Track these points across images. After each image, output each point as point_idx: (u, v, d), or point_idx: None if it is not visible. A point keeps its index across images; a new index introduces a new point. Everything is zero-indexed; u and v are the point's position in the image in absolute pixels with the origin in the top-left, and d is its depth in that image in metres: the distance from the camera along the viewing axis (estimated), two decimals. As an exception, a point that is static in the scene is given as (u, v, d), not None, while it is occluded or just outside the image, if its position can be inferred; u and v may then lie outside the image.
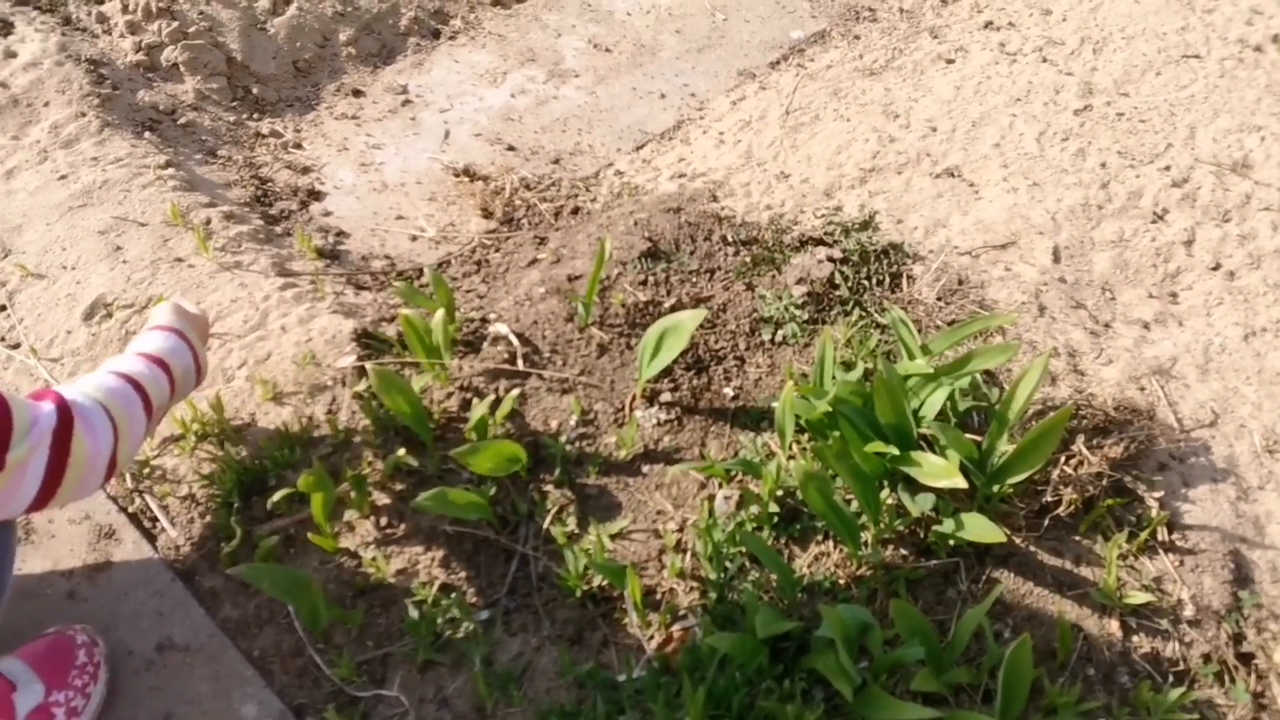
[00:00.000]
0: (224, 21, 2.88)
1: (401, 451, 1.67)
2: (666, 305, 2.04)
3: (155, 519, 1.68)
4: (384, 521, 1.65)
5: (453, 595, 1.56)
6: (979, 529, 1.53)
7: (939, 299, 2.10)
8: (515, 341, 1.92)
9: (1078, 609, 1.57)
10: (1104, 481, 1.68)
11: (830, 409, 1.66)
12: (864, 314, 2.04)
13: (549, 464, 1.74)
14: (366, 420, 1.76)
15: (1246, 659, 1.54)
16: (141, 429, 1.35)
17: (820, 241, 2.23)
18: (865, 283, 2.12)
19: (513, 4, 3.35)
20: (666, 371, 1.89)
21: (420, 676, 1.49)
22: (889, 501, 1.63)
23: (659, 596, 1.58)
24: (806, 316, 2.02)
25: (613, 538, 1.65)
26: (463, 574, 1.60)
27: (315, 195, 2.51)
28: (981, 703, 1.45)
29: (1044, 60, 2.95)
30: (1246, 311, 2.12)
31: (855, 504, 1.61)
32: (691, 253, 2.19)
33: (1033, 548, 1.64)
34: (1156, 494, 1.70)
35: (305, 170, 2.58)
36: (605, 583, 1.58)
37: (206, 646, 1.52)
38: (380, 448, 1.73)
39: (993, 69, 2.93)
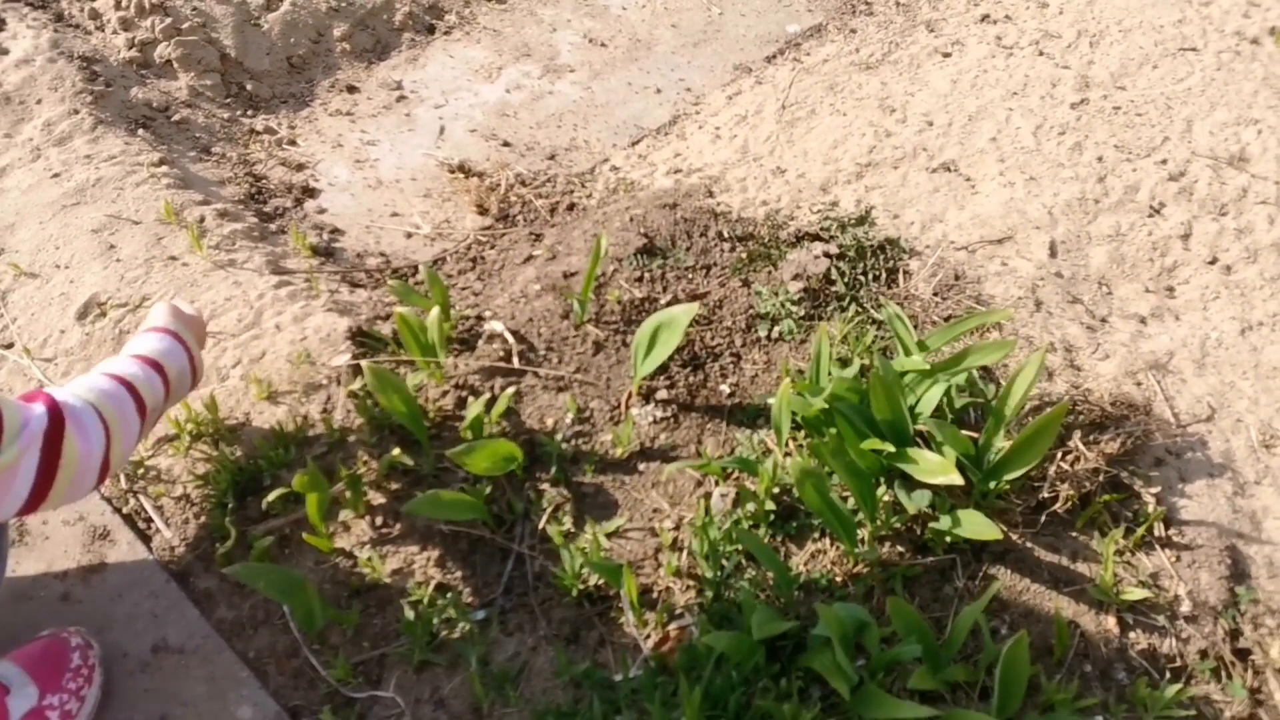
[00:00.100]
0: (217, 17, 2.86)
1: (396, 451, 1.67)
2: (662, 302, 2.04)
3: (150, 520, 1.67)
4: (379, 521, 1.65)
5: (448, 595, 1.56)
6: (976, 526, 1.53)
7: (935, 294, 2.09)
8: (511, 339, 1.92)
9: (1075, 605, 1.57)
10: (1100, 477, 1.68)
11: (826, 406, 1.65)
12: (860, 310, 2.04)
13: (545, 462, 1.73)
14: (362, 419, 1.76)
15: (1243, 655, 1.54)
16: (135, 431, 1.35)
17: (816, 237, 2.22)
18: (861, 278, 2.12)
19: (507, -1, 3.34)
20: (663, 368, 1.88)
21: (416, 677, 1.48)
22: (885, 499, 1.63)
23: (655, 595, 1.58)
24: (803, 312, 2.02)
25: (609, 536, 1.65)
26: (458, 573, 1.59)
27: (310, 192, 2.50)
28: (979, 700, 1.45)
29: (1040, 54, 2.94)
30: (1243, 305, 2.12)
31: (852, 501, 1.61)
32: (687, 249, 2.18)
33: (1029, 544, 1.63)
34: (1153, 490, 1.70)
35: (300, 167, 2.57)
36: (601, 582, 1.57)
37: (201, 648, 1.51)
38: (375, 447, 1.73)
39: (989, 63, 2.92)
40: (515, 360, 1.88)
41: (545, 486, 1.70)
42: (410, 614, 1.53)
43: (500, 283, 2.14)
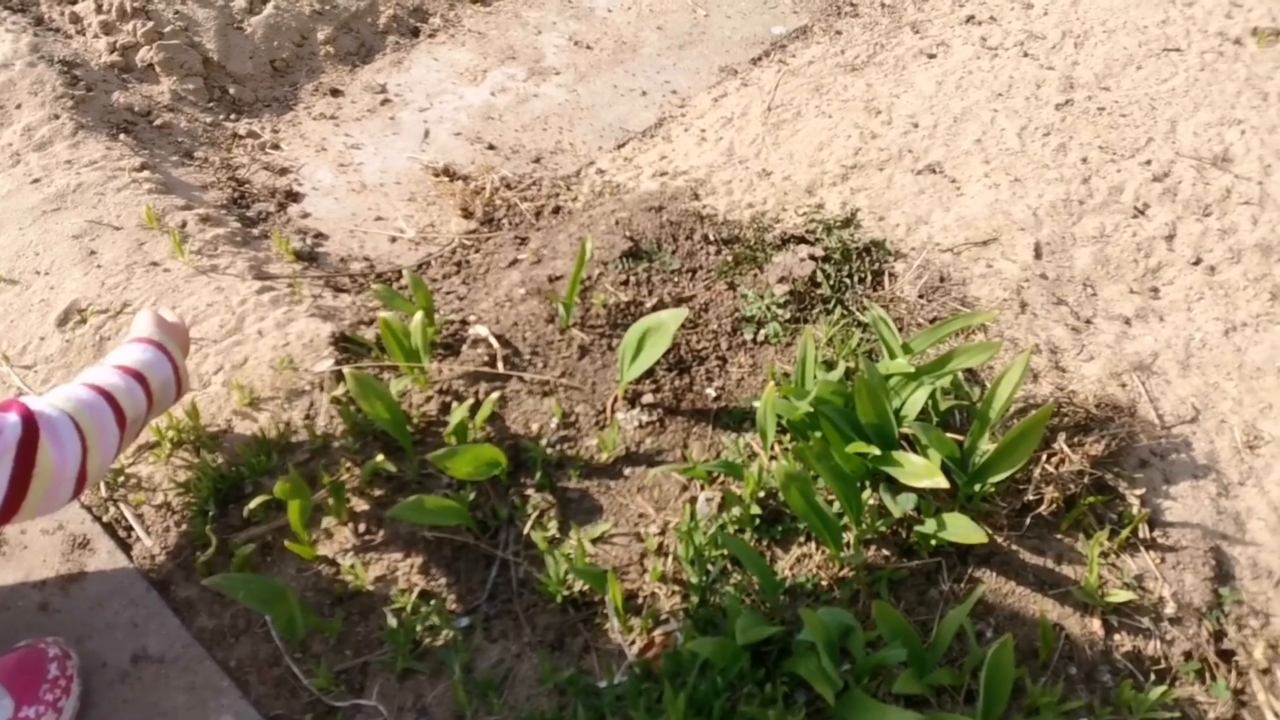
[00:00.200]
0: (200, 21, 2.85)
1: (380, 457, 1.66)
2: (648, 305, 2.03)
3: (130, 528, 1.66)
4: (362, 528, 1.64)
5: (432, 602, 1.55)
6: (961, 529, 1.53)
7: (921, 296, 2.09)
8: (495, 344, 1.91)
9: (1060, 608, 1.56)
10: (1085, 479, 1.68)
11: (811, 409, 1.65)
12: (846, 312, 2.04)
13: (529, 467, 1.72)
14: (345, 425, 1.74)
15: (1227, 656, 1.54)
16: (113, 442, 1.33)
17: (802, 239, 2.22)
18: (847, 281, 2.11)
19: (492, 1, 3.33)
20: (648, 373, 1.87)
21: (399, 685, 1.47)
22: (871, 502, 1.62)
23: (640, 601, 1.57)
24: (789, 315, 2.01)
25: (594, 542, 1.64)
26: (442, 580, 1.58)
27: (293, 196, 2.48)
28: (964, 704, 1.44)
29: (1025, 55, 2.94)
30: (1227, 306, 2.12)
31: (837, 505, 1.61)
32: (673, 252, 2.18)
33: (1014, 547, 1.63)
34: (1138, 491, 1.70)
35: (283, 171, 2.55)
36: (586, 588, 1.57)
37: (182, 657, 1.50)
38: (359, 453, 1.72)
39: (974, 64, 2.92)
40: (500, 365, 1.87)
41: (530, 492, 1.70)
42: (393, 621, 1.52)
43: (485, 287, 2.13)
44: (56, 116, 2.42)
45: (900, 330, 1.97)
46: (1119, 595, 1.55)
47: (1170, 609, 1.57)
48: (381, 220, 2.44)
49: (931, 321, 2.03)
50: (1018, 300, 2.08)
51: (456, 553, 1.62)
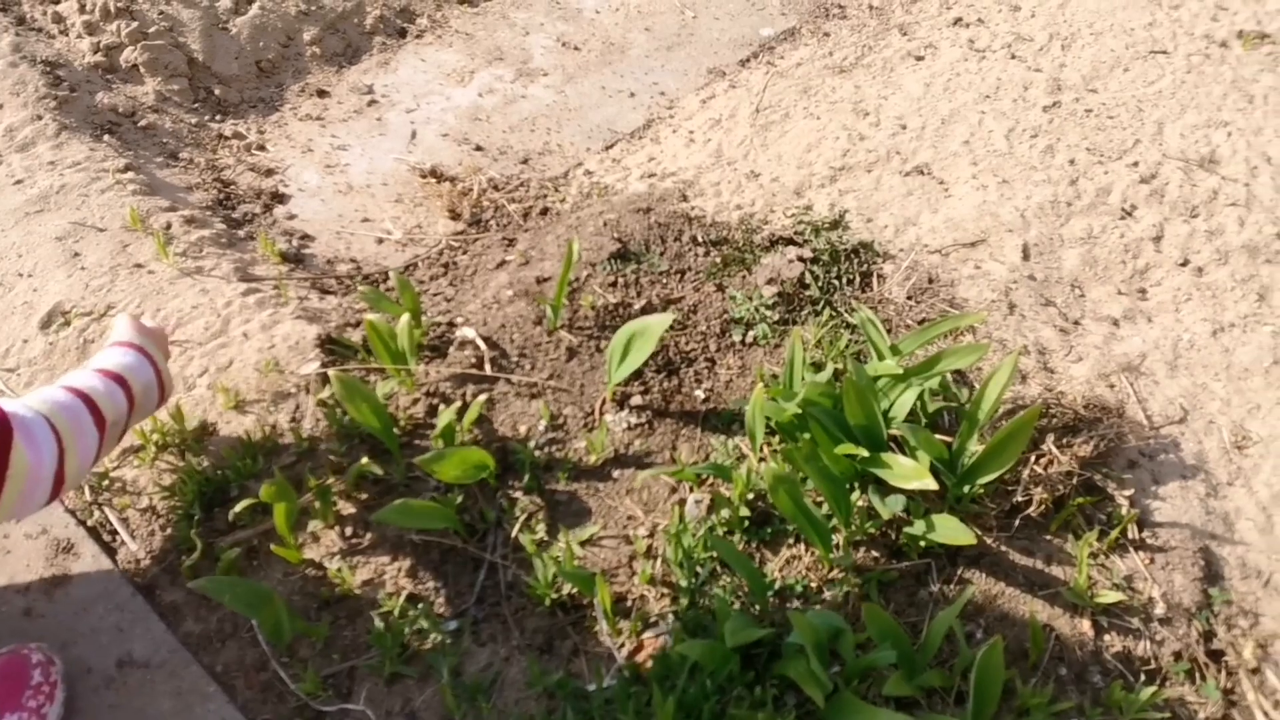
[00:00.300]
0: (185, 21, 2.83)
1: (366, 460, 1.65)
2: (636, 307, 2.02)
3: (115, 532, 1.64)
4: (349, 531, 1.63)
5: (420, 606, 1.54)
6: (950, 530, 1.53)
7: (909, 298, 2.09)
8: (483, 345, 1.90)
9: (1049, 609, 1.56)
10: (1074, 480, 1.68)
11: (800, 411, 1.64)
12: (834, 314, 2.03)
13: (517, 470, 1.72)
14: (331, 428, 1.73)
15: (1217, 656, 1.54)
16: (92, 444, 1.32)
17: (790, 241, 2.22)
18: (835, 282, 2.11)
19: (480, 2, 3.32)
20: (637, 374, 1.87)
21: (387, 689, 1.46)
22: (860, 503, 1.62)
23: (629, 604, 1.56)
24: (777, 317, 2.01)
25: (582, 544, 1.63)
26: (430, 584, 1.57)
27: (279, 198, 2.47)
28: (954, 705, 1.44)
29: (1013, 57, 2.95)
30: (1215, 307, 2.13)
31: (826, 507, 1.60)
32: (661, 253, 2.17)
33: (1004, 548, 1.63)
34: (1126, 492, 1.70)
35: (269, 172, 2.54)
36: (575, 591, 1.56)
37: (168, 662, 1.49)
38: (345, 456, 1.71)
39: (962, 66, 2.92)
40: (487, 367, 1.86)
41: (518, 495, 1.69)
42: (381, 625, 1.51)
43: (472, 288, 2.12)
44: (39, 117, 2.40)
45: (888, 332, 1.97)
46: (1108, 596, 1.55)
47: (1160, 609, 1.57)
48: (368, 221, 2.43)
49: (920, 323, 2.03)
50: (1006, 301, 2.08)
51: (444, 556, 1.61)
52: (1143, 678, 1.50)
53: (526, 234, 2.32)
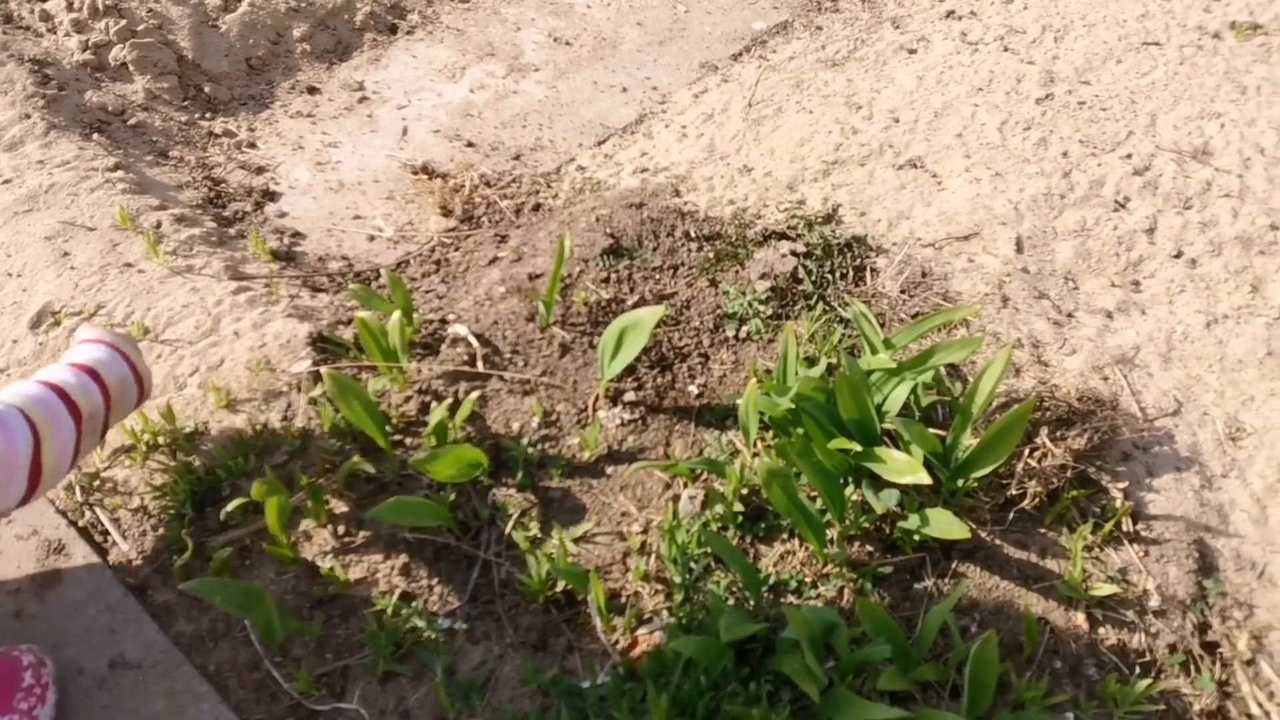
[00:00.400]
0: (174, 19, 2.81)
1: (357, 458, 1.64)
2: (629, 303, 2.02)
3: (106, 532, 1.63)
4: (342, 530, 1.62)
5: (413, 604, 1.53)
6: (944, 525, 1.52)
7: (902, 292, 2.09)
8: (475, 342, 1.89)
9: (1044, 602, 1.56)
10: (1068, 473, 1.68)
11: (793, 406, 1.64)
12: (827, 308, 2.03)
13: (510, 467, 1.71)
14: (323, 426, 1.72)
15: (1211, 648, 1.54)
16: (69, 436, 1.31)
17: (783, 235, 2.21)
18: (829, 277, 2.11)
19: (471, -2, 3.31)
20: (630, 370, 1.86)
21: (381, 688, 1.46)
22: (854, 498, 1.62)
23: (624, 600, 1.56)
24: (770, 312, 2.01)
25: (576, 541, 1.63)
26: (424, 582, 1.57)
27: (270, 196, 2.46)
28: (949, 699, 1.44)
29: (1005, 49, 2.94)
30: (1208, 299, 2.12)
31: (820, 502, 1.60)
32: (654, 249, 2.17)
33: (998, 541, 1.63)
34: (1120, 484, 1.70)
35: (259, 170, 2.53)
36: (569, 588, 1.55)
37: (160, 663, 1.48)
38: (338, 454, 1.70)
39: (955, 58, 2.92)
40: (480, 364, 1.85)
41: (511, 492, 1.68)
42: (374, 624, 1.50)
43: (464, 285, 2.11)
44: (27, 116, 2.38)
45: (882, 326, 1.97)
46: (1103, 589, 1.55)
47: (1154, 602, 1.57)
48: (359, 219, 2.42)
49: (913, 317, 2.03)
50: (999, 295, 2.08)
51: (438, 554, 1.60)
52: (1138, 670, 1.50)
53: (519, 230, 2.32)
